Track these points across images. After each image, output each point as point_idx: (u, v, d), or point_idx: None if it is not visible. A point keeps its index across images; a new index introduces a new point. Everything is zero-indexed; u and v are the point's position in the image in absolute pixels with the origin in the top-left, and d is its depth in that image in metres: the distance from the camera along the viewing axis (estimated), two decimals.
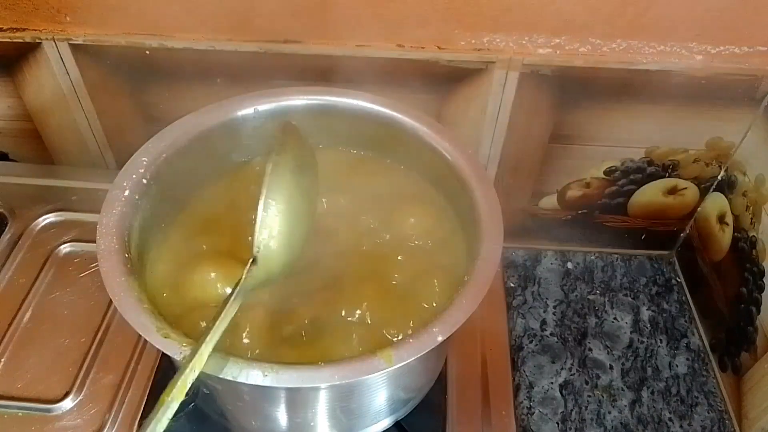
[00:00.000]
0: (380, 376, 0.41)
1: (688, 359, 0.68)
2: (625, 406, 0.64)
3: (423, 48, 0.60)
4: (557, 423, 0.62)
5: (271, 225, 0.40)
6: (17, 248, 0.65)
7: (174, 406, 0.35)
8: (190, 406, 0.54)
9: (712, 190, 0.70)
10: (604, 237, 0.76)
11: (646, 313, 0.72)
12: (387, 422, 0.52)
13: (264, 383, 0.37)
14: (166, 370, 0.56)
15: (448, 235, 0.51)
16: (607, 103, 0.62)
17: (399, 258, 0.50)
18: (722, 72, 0.59)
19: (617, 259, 0.78)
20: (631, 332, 0.70)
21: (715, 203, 0.69)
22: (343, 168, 0.56)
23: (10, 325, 0.59)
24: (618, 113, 0.63)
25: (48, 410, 0.54)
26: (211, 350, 0.36)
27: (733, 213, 0.66)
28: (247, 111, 0.53)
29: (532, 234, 0.76)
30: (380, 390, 0.47)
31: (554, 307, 0.72)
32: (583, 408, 0.64)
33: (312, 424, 0.47)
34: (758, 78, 0.59)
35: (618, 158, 0.67)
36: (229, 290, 0.40)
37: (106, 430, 0.53)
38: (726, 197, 0.68)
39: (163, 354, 0.54)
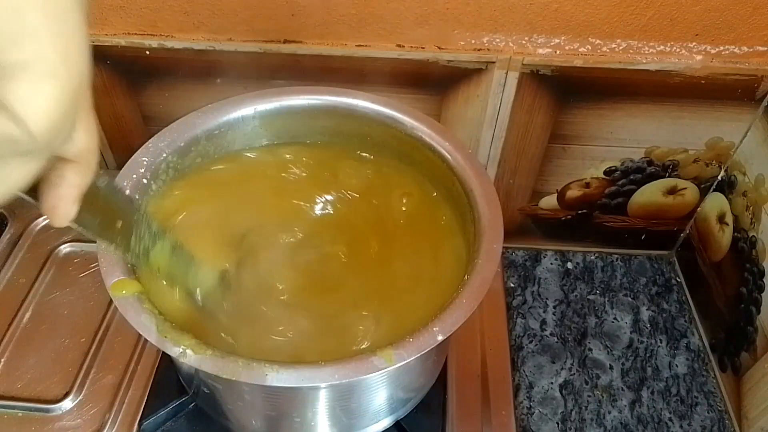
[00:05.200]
0: (380, 375, 0.41)
1: (688, 359, 0.68)
2: (625, 406, 0.64)
3: (423, 48, 0.60)
4: (557, 423, 0.62)
5: None
6: (17, 248, 0.65)
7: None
8: (190, 406, 0.54)
9: (712, 190, 0.70)
10: (604, 237, 0.76)
11: (645, 313, 0.72)
12: (387, 422, 0.52)
13: (264, 383, 0.37)
14: (166, 370, 0.56)
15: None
16: (607, 103, 0.62)
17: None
18: (722, 72, 0.59)
19: (617, 259, 0.78)
20: (631, 332, 0.70)
21: (715, 203, 0.69)
22: (343, 167, 0.56)
23: (10, 325, 0.59)
24: (618, 113, 0.63)
25: (48, 410, 0.54)
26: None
27: (732, 213, 0.66)
28: (247, 111, 0.53)
29: (532, 234, 0.76)
30: (380, 389, 0.47)
31: (554, 307, 0.72)
32: (583, 408, 0.64)
33: (312, 423, 0.47)
34: (758, 78, 0.59)
35: (618, 158, 0.67)
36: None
37: (106, 430, 0.53)
38: (726, 197, 0.68)
39: (163, 354, 0.54)
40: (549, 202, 0.73)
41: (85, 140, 0.25)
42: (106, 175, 0.31)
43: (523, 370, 0.66)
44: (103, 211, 0.33)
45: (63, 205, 0.26)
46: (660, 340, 0.70)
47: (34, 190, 0.26)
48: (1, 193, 0.22)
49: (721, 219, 0.68)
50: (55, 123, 0.20)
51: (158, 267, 0.40)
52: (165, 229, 0.40)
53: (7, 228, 0.67)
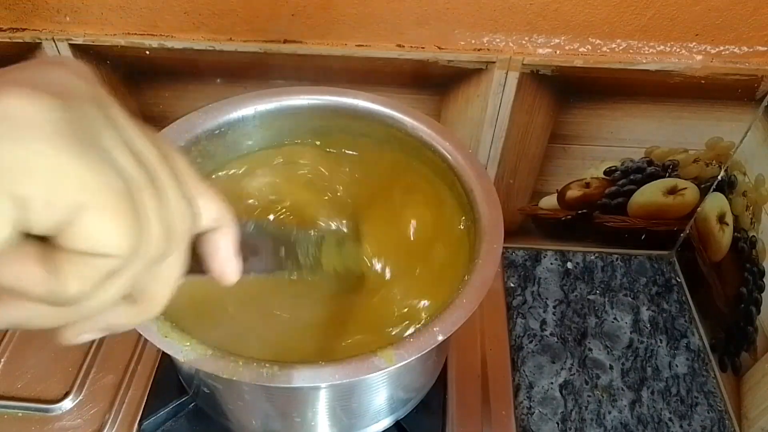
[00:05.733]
0: (380, 375, 0.41)
1: (688, 359, 0.68)
2: (625, 406, 0.64)
3: (423, 48, 0.60)
4: (557, 423, 0.62)
5: None
6: None
7: None
8: (191, 406, 0.54)
9: (712, 190, 0.70)
10: (604, 237, 0.76)
11: (646, 313, 0.72)
12: (387, 422, 0.52)
13: (264, 383, 0.37)
14: (166, 370, 0.56)
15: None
16: (607, 103, 0.62)
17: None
18: (722, 72, 0.59)
19: (617, 259, 0.78)
20: (631, 332, 0.70)
21: (715, 203, 0.69)
22: (344, 166, 0.56)
23: None
24: (618, 113, 0.63)
25: (48, 410, 0.54)
26: None
27: (733, 213, 0.67)
28: (247, 111, 0.53)
29: (532, 234, 0.76)
30: (380, 389, 0.47)
31: (554, 307, 0.72)
32: (583, 408, 0.64)
33: (312, 423, 0.47)
34: (758, 78, 0.59)
35: (618, 158, 0.67)
36: None
37: (106, 430, 0.53)
38: (726, 197, 0.68)
39: (163, 354, 0.54)
40: (549, 202, 0.73)
41: (211, 208, 0.26)
42: (250, 220, 0.32)
43: (523, 370, 0.66)
44: (263, 249, 0.34)
45: (228, 266, 0.28)
46: (660, 340, 0.70)
47: (195, 266, 0.27)
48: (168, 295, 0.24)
49: (721, 219, 0.68)
50: (128, 231, 0.21)
51: (333, 266, 0.42)
52: (323, 233, 0.43)
53: None
